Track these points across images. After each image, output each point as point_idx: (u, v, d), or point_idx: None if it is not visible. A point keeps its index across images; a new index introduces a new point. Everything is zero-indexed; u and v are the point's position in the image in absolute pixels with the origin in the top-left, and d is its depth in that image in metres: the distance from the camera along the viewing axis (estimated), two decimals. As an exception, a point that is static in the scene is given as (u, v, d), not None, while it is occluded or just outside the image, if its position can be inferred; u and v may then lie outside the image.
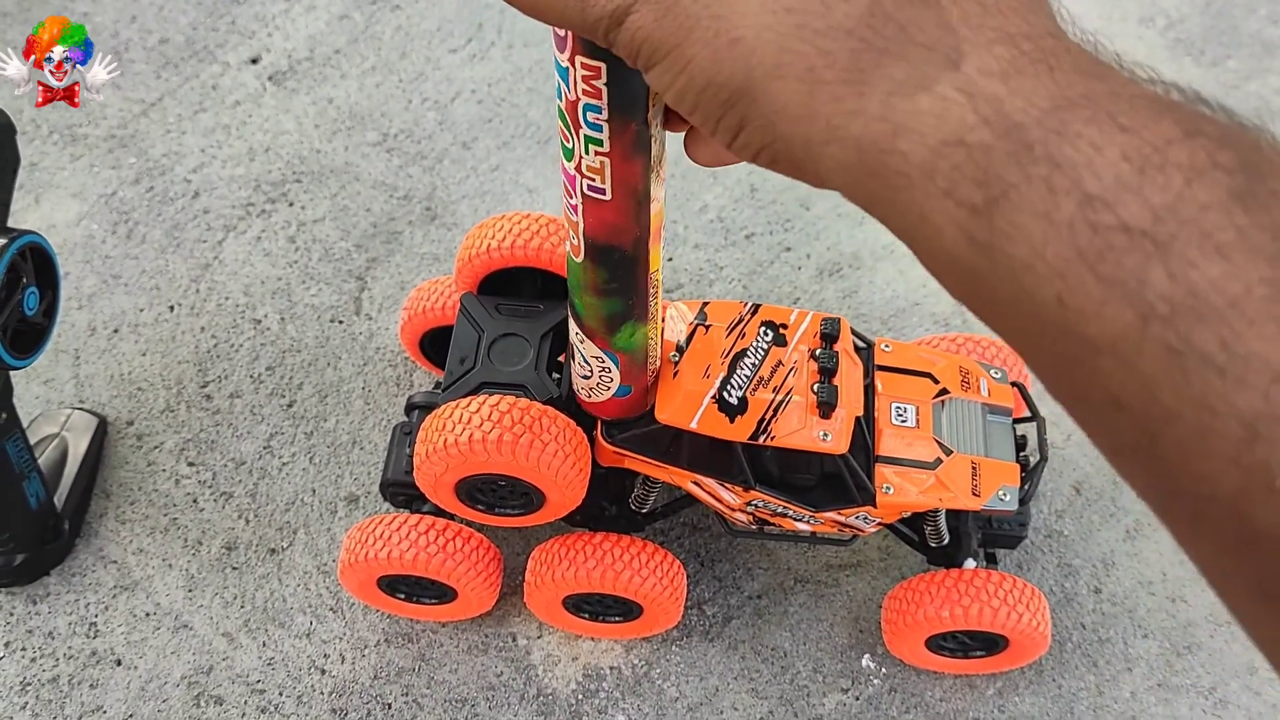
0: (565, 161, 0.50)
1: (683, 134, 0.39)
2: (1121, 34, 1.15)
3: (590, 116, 0.46)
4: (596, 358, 0.62)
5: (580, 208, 0.52)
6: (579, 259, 0.56)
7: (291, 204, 0.98)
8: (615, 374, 0.63)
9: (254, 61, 1.08)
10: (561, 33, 0.44)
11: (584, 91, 0.45)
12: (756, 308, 0.71)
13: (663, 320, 0.67)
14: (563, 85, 0.46)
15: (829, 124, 0.26)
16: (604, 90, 0.45)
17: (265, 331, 0.91)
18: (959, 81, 0.25)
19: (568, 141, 0.48)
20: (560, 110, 0.48)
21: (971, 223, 0.24)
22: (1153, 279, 0.21)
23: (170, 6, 1.11)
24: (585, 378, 0.65)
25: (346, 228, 0.97)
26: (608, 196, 0.50)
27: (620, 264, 0.56)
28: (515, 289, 0.76)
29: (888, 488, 0.69)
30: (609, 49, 0.30)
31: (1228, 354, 0.21)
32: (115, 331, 0.91)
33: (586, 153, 0.48)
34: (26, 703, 0.75)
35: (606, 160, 0.48)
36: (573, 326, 0.62)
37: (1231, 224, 0.21)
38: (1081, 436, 0.83)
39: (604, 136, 0.46)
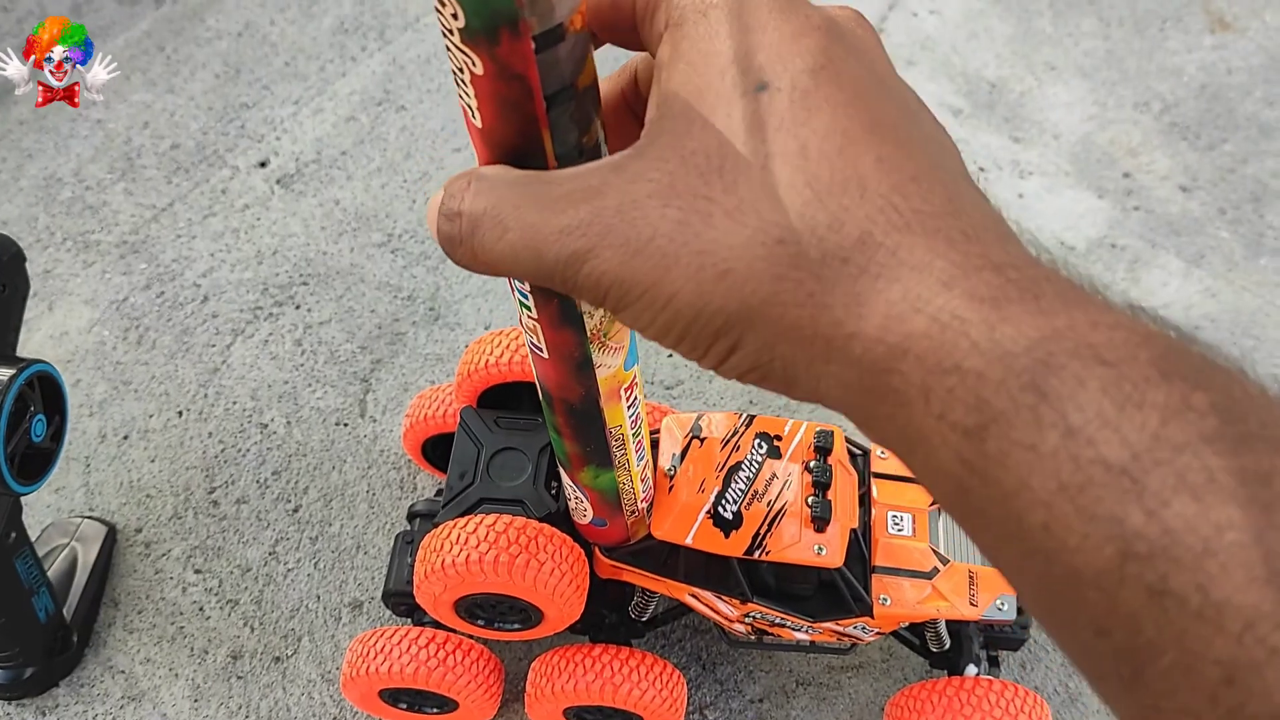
0: (520, 310, 0.49)
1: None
2: (1117, 120, 1.17)
3: (516, 283, 0.45)
4: (571, 486, 0.63)
5: (530, 356, 0.52)
6: (540, 395, 0.56)
7: (298, 306, 1.00)
8: (587, 506, 0.64)
9: (263, 165, 1.10)
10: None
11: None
12: (751, 419, 0.72)
13: (649, 449, 0.66)
14: None
15: (829, 345, 0.27)
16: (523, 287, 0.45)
17: (272, 436, 0.93)
18: (953, 306, 0.25)
19: (514, 293, 0.48)
20: None
21: (964, 445, 0.25)
22: (1131, 517, 0.22)
23: (181, 112, 1.14)
24: (569, 500, 0.66)
25: (352, 329, 0.99)
26: (545, 355, 0.50)
27: (572, 414, 0.55)
28: (515, 401, 0.77)
29: (885, 598, 0.69)
30: (570, 294, 0.30)
31: (1203, 598, 0.21)
32: (125, 438, 0.92)
33: (523, 309, 0.47)
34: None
35: (537, 324, 0.47)
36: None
37: (1203, 466, 0.22)
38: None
39: (530, 304, 0.46)
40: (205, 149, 1.11)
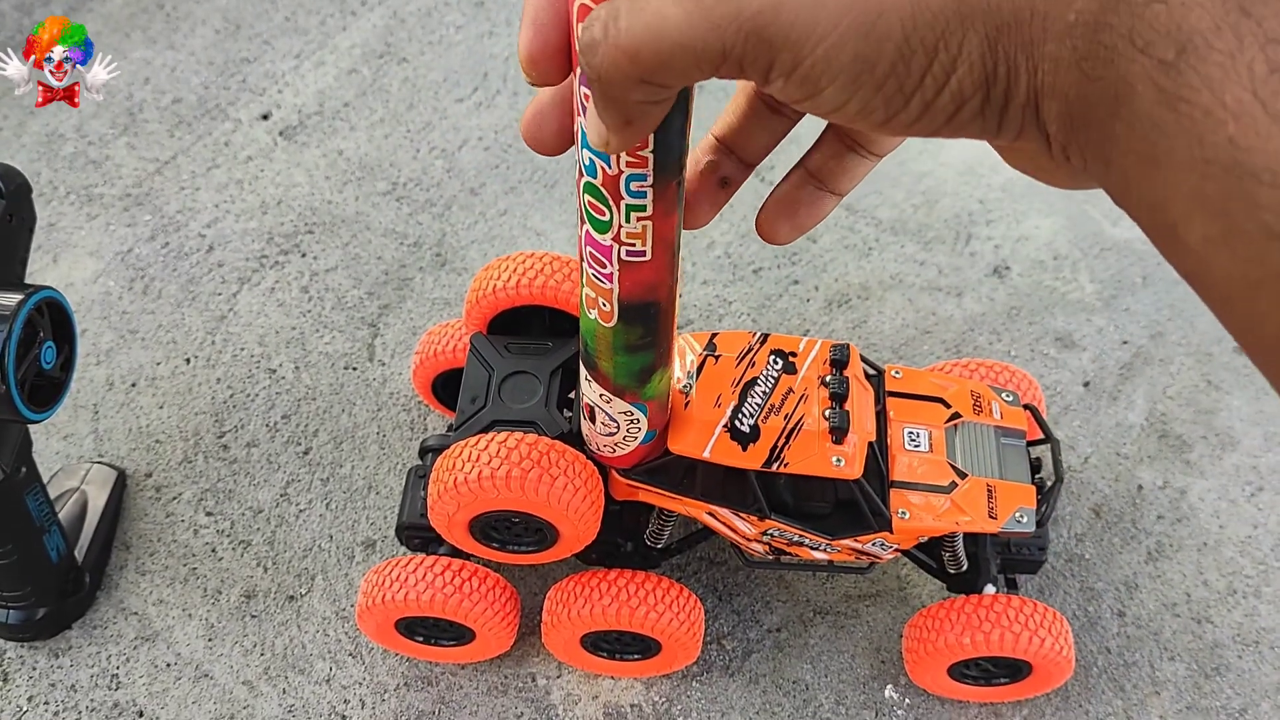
0: (597, 234, 0.51)
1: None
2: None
3: (634, 185, 0.46)
4: (625, 413, 0.63)
5: (615, 275, 0.53)
6: (610, 324, 0.56)
7: (304, 255, 1.00)
8: (644, 423, 0.64)
9: (265, 117, 1.10)
10: None
11: (628, 164, 0.45)
12: (765, 337, 0.72)
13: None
14: (600, 163, 0.46)
15: (1045, 20, 0.26)
16: (650, 158, 0.45)
17: (280, 380, 0.92)
18: None
19: (602, 215, 0.49)
20: (593, 186, 0.48)
21: (1162, 77, 0.24)
22: None
23: (183, 67, 1.13)
24: (610, 434, 0.65)
25: (358, 276, 0.98)
26: (648, 257, 0.51)
27: (654, 317, 0.56)
28: (524, 328, 0.77)
29: (903, 512, 0.69)
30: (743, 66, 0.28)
31: None
32: (133, 386, 0.92)
33: (627, 221, 0.48)
34: (49, 756, 0.75)
35: (649, 223, 0.48)
36: (595, 389, 0.62)
37: None
38: (1100, 459, 0.82)
39: (647, 202, 0.47)
40: (207, 103, 1.11)
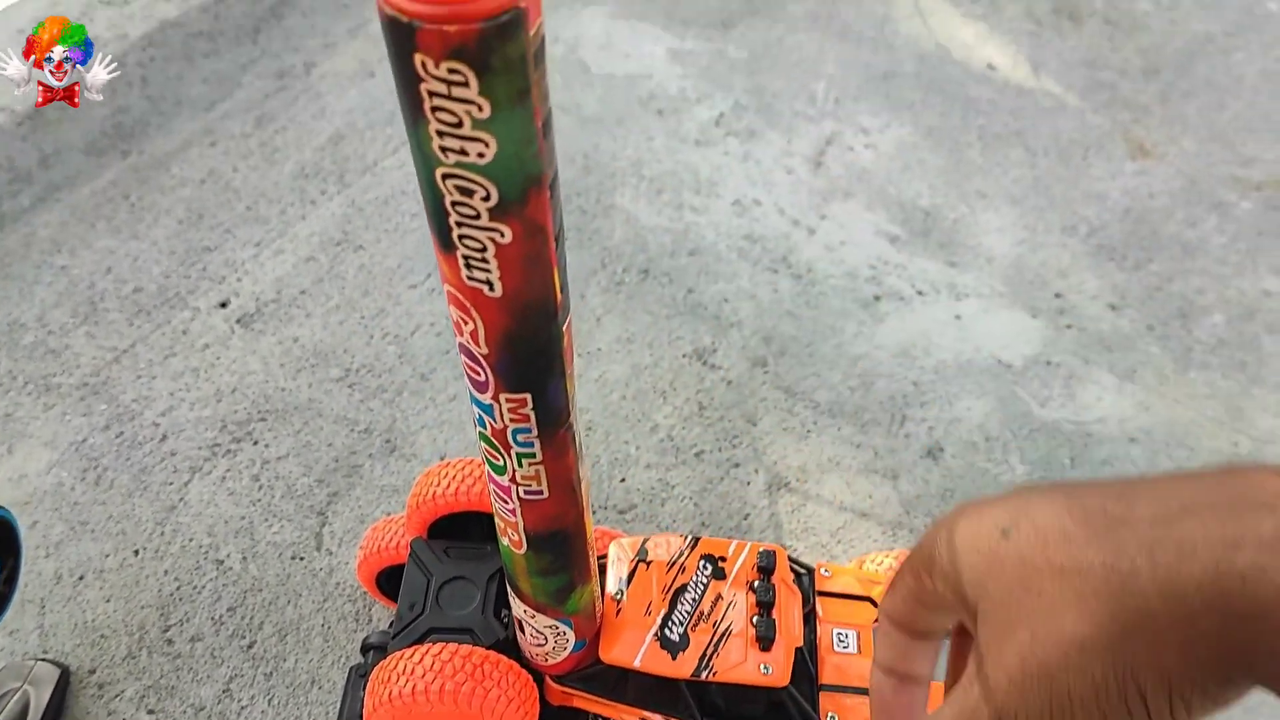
0: (496, 475, 0.54)
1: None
2: (1047, 243, 1.23)
3: (521, 437, 0.50)
4: (550, 626, 0.65)
5: (518, 510, 0.56)
6: (522, 551, 0.59)
7: (256, 442, 1.02)
8: (570, 635, 0.66)
9: (223, 305, 1.13)
10: (481, 376, 0.49)
11: (511, 419, 0.49)
12: (696, 540, 0.74)
13: (604, 562, 0.69)
14: (486, 417, 0.50)
15: None
16: (531, 415, 0.49)
17: (228, 572, 0.93)
18: None
19: (497, 460, 0.52)
20: (485, 436, 0.52)
21: None
22: None
23: (144, 256, 1.17)
24: (540, 645, 0.67)
25: (309, 463, 1.01)
26: (545, 495, 0.54)
27: (563, 543, 0.59)
28: (463, 532, 0.79)
29: (833, 716, 0.70)
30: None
31: None
32: (80, 579, 0.92)
33: (520, 466, 0.52)
34: None
35: (541, 467, 0.52)
36: (519, 605, 0.65)
37: None
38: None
39: (536, 450, 0.50)
40: (167, 291, 1.14)
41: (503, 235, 0.42)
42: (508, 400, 0.49)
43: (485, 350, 0.48)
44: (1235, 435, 1.05)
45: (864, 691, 0.72)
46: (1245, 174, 1.30)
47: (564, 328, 0.49)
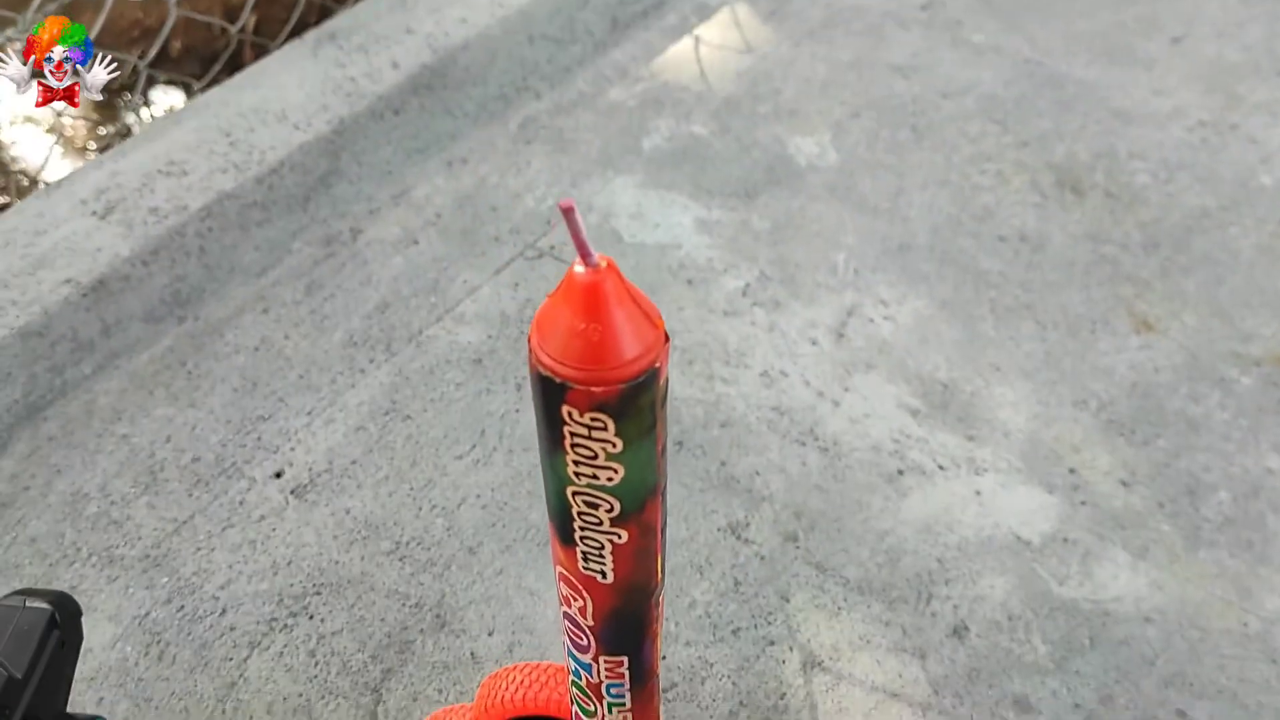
0: (585, 716, 0.60)
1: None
2: (1060, 417, 1.29)
3: (614, 691, 0.56)
4: None
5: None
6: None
7: (311, 617, 1.06)
8: None
9: (278, 475, 1.19)
10: (584, 641, 0.55)
11: (607, 675, 0.55)
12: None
13: None
14: (584, 672, 0.56)
15: None
16: (626, 673, 0.55)
17: (287, 751, 0.97)
18: None
19: (589, 706, 0.58)
20: (580, 686, 0.58)
21: None
22: None
23: (202, 425, 1.23)
24: None
25: (363, 639, 1.05)
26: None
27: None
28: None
29: None
30: None
31: None
32: (145, 758, 0.96)
33: (610, 713, 0.58)
34: None
35: (629, 714, 0.58)
36: None
37: None
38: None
39: (626, 699, 0.56)
40: (224, 461, 1.19)
41: (620, 537, 0.48)
42: (606, 661, 0.55)
43: (591, 623, 0.53)
44: (1245, 615, 1.10)
45: None
46: (1245, 349, 1.37)
47: (659, 598, 0.54)
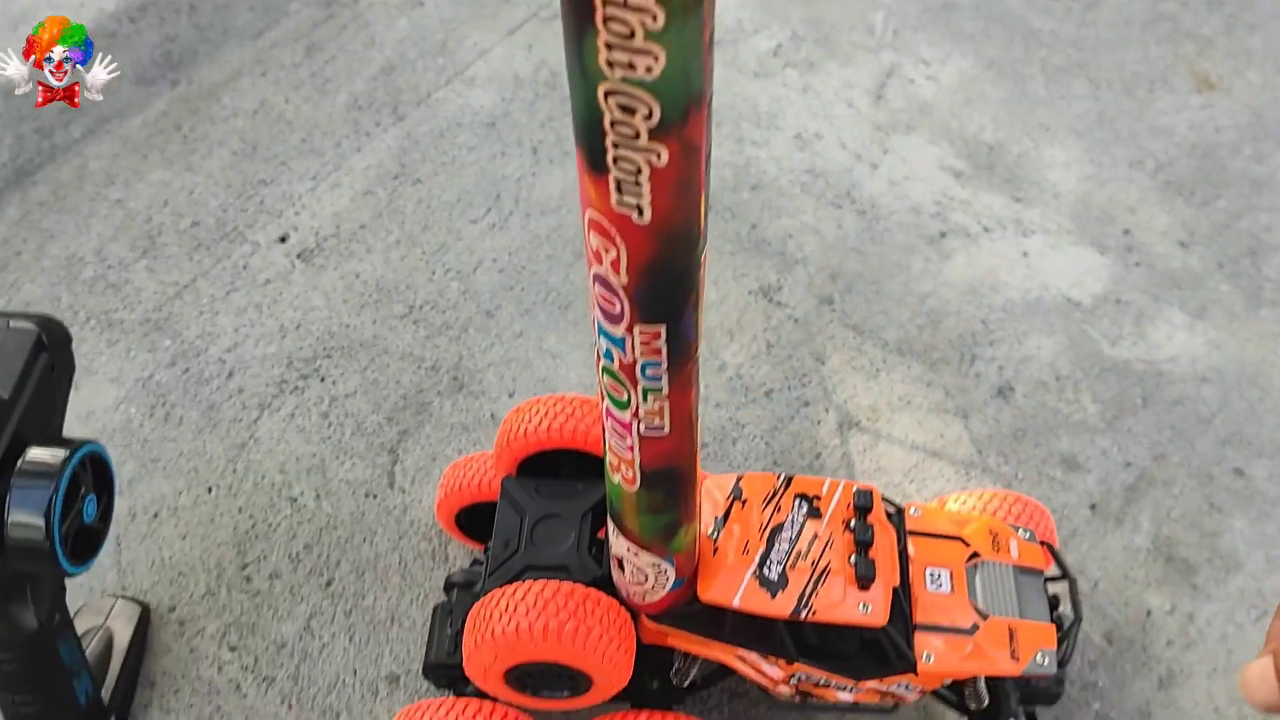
0: (617, 411, 0.53)
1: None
2: (1114, 178, 1.20)
3: (650, 371, 0.49)
4: (653, 564, 0.64)
5: (636, 447, 0.55)
6: (634, 488, 0.58)
7: (323, 379, 1.01)
8: (671, 573, 0.65)
9: (283, 240, 1.12)
10: (616, 307, 0.48)
11: (642, 353, 0.48)
12: (790, 480, 0.74)
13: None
14: (617, 351, 0.49)
15: None
16: (664, 347, 0.48)
17: (302, 509, 0.93)
18: None
19: (621, 395, 0.52)
20: (611, 371, 0.51)
21: None
22: None
23: (201, 189, 1.15)
24: (640, 584, 0.67)
25: (377, 401, 1.00)
26: (666, 432, 0.54)
27: (676, 481, 0.58)
28: (552, 468, 0.78)
29: (928, 655, 0.70)
30: None
31: None
32: (155, 516, 0.92)
33: (645, 401, 0.51)
34: None
35: (665, 402, 0.51)
36: (622, 543, 0.64)
37: None
38: (1109, 584, 0.84)
39: (663, 384, 0.50)
40: (225, 225, 1.13)
41: (659, 157, 0.40)
42: (642, 332, 0.48)
43: (625, 280, 0.46)
44: (1308, 375, 1.04)
45: (959, 631, 0.71)
46: (1314, 108, 1.27)
47: (701, 257, 0.47)
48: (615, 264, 0.45)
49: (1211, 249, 1.14)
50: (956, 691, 0.78)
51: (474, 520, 0.86)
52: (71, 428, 0.95)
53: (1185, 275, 1.12)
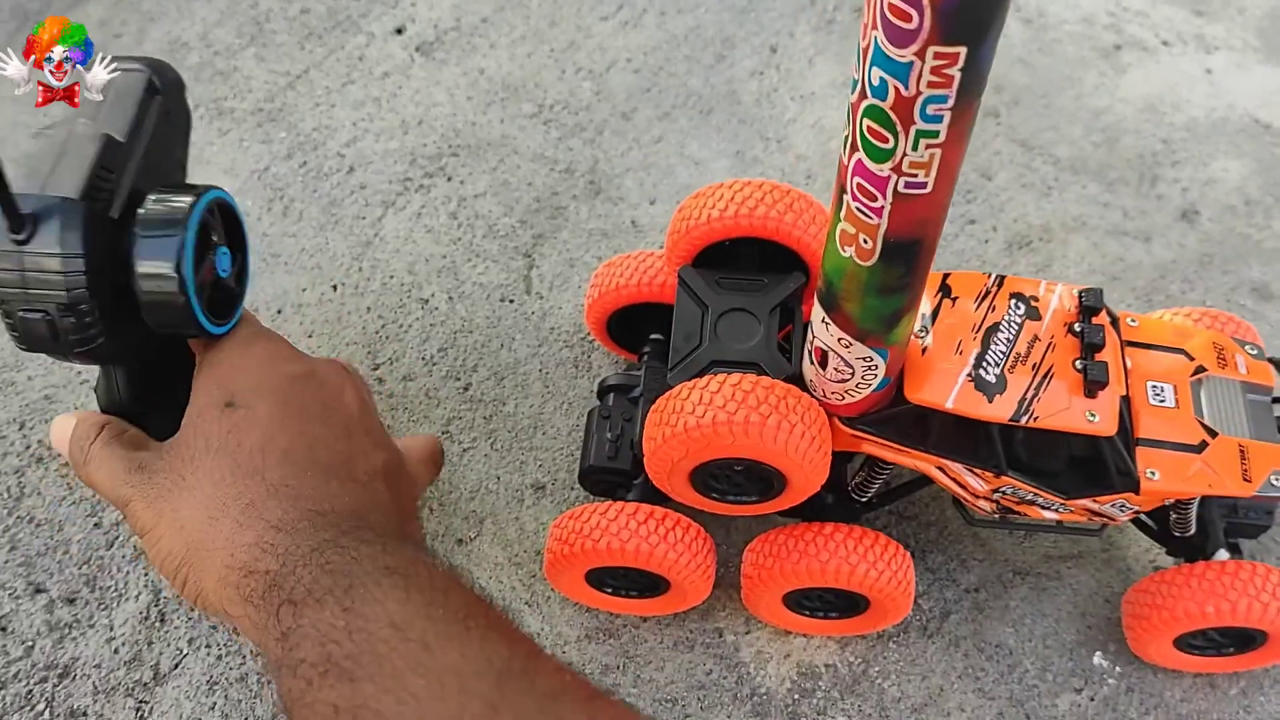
0: (873, 164, 0.46)
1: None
2: (1304, -7, 1.09)
3: (931, 109, 0.41)
4: (864, 358, 0.57)
5: (887, 209, 0.48)
6: (869, 262, 0.51)
7: (450, 179, 0.94)
8: (881, 369, 0.58)
9: (399, 32, 1.03)
10: (912, 21, 0.40)
11: (930, 84, 0.40)
12: (1002, 280, 0.66)
13: None
14: (895, 83, 0.41)
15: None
16: (957, 76, 0.40)
17: (434, 311, 0.87)
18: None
19: (885, 142, 0.44)
20: (878, 110, 0.43)
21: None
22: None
23: (309, -25, 1.07)
24: (842, 381, 0.60)
25: (509, 203, 0.93)
26: (929, 189, 0.46)
27: (917, 256, 0.51)
28: (729, 263, 0.71)
29: (1153, 472, 0.64)
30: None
31: None
32: (279, 312, 0.86)
33: (914, 149, 0.43)
34: (215, 703, 0.71)
35: (938, 151, 0.43)
36: (833, 332, 0.57)
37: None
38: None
39: (942, 127, 0.42)
40: (337, 14, 1.04)
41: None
42: (936, 56, 0.40)
43: None
44: None
45: (1185, 448, 0.65)
46: None
47: None
48: None
49: None
50: (1160, 518, 0.72)
51: (625, 326, 0.80)
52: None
53: (1387, 98, 1.02)
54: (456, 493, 0.79)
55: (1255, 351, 0.70)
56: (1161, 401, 0.66)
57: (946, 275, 0.66)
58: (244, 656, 0.72)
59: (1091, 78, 1.02)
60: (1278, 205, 0.94)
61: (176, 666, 0.71)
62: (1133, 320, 0.69)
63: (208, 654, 0.72)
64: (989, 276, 0.66)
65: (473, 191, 0.93)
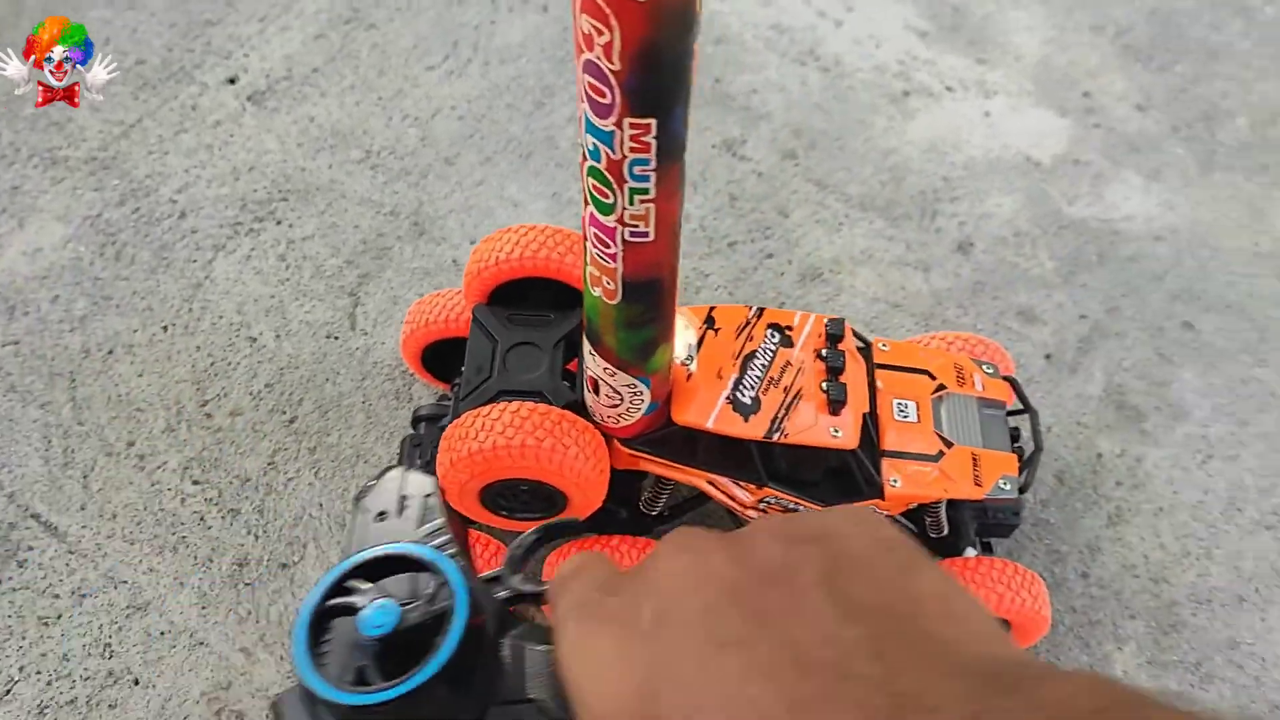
0: (601, 216, 0.53)
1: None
2: (1075, 42, 1.21)
3: (637, 170, 0.48)
4: (629, 385, 0.64)
5: (619, 255, 0.55)
6: (615, 301, 0.58)
7: (279, 222, 0.99)
8: (647, 395, 0.65)
9: (232, 81, 1.08)
10: (606, 98, 0.47)
11: (631, 149, 0.47)
12: (761, 311, 0.74)
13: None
14: (604, 148, 0.48)
15: None
16: (653, 143, 0.47)
17: (262, 349, 0.92)
18: None
19: (606, 198, 0.51)
20: (597, 170, 0.50)
21: None
22: None
23: (144, 28, 1.11)
24: (614, 406, 0.67)
25: (336, 245, 0.98)
26: (651, 238, 0.53)
27: (657, 294, 0.58)
28: (521, 300, 0.78)
29: (895, 480, 0.72)
30: None
31: None
32: (110, 353, 0.90)
33: (631, 204, 0.50)
34: (41, 728, 0.74)
35: (652, 205, 0.51)
36: (599, 363, 0.64)
37: None
38: (1062, 428, 0.86)
39: (651, 185, 0.49)
40: (171, 65, 1.08)
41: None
42: (632, 126, 0.48)
43: (617, 66, 0.45)
44: (1257, 236, 1.06)
45: (925, 458, 0.73)
46: (1271, -21, 1.28)
47: (694, 46, 0.47)
48: (607, 49, 0.44)
49: (1167, 113, 1.15)
50: (917, 521, 0.80)
51: (439, 358, 0.86)
52: (18, 265, 0.93)
53: (1142, 138, 1.13)
54: (281, 519, 0.84)
55: (991, 370, 0.79)
56: (905, 417, 0.75)
57: (712, 309, 0.74)
58: (73, 681, 0.76)
59: (881, 121, 1.12)
60: (1044, 237, 1.05)
61: (8, 693, 0.75)
62: (884, 345, 0.78)
63: (38, 679, 0.76)
64: (750, 309, 0.74)
65: (301, 234, 0.98)
